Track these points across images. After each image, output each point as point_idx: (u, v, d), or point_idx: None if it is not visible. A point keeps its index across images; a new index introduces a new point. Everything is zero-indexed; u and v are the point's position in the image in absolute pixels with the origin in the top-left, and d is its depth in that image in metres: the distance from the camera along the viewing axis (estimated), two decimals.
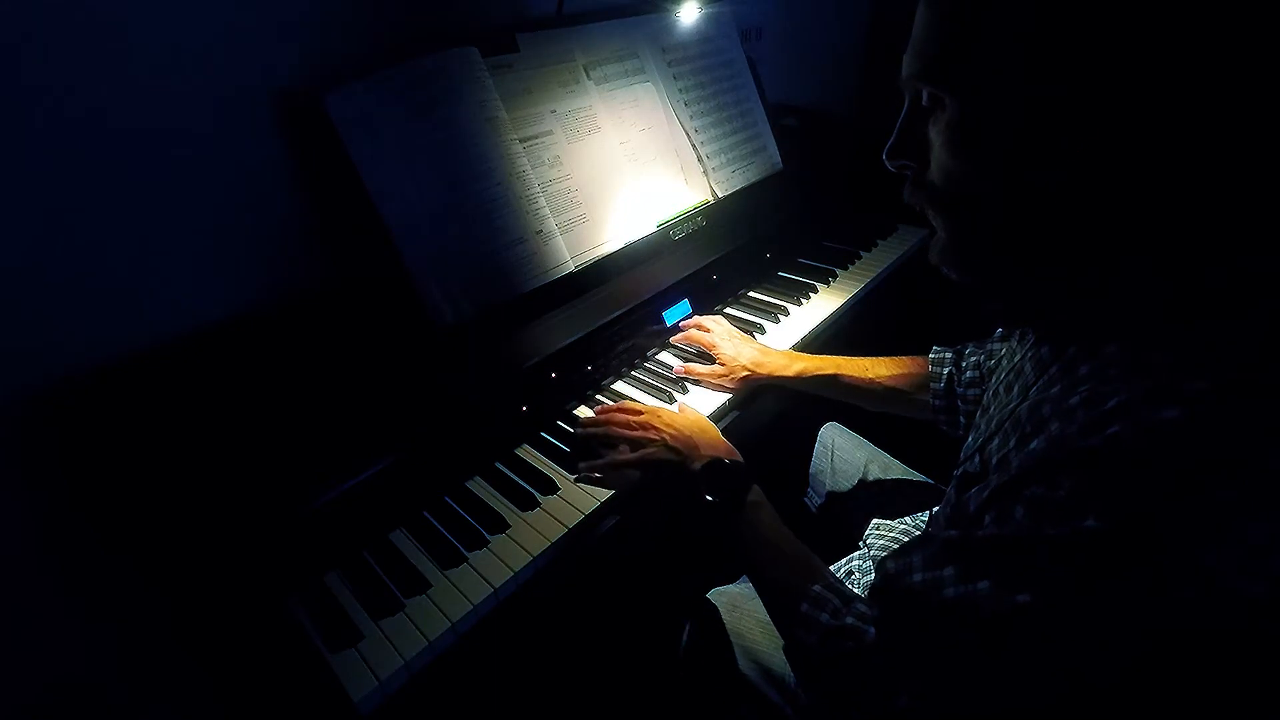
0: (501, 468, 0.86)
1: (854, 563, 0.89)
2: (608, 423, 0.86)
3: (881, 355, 0.97)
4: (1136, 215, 0.44)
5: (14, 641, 0.78)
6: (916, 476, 1.00)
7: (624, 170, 1.03)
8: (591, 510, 0.79)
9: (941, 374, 0.88)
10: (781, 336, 1.13)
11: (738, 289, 1.24)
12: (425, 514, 0.79)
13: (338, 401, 0.75)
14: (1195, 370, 0.39)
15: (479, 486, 0.84)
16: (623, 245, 1.00)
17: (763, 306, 1.21)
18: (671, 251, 1.06)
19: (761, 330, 1.14)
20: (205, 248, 0.81)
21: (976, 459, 0.57)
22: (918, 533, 0.87)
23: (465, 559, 0.74)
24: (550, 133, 0.96)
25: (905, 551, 0.53)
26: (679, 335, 1.06)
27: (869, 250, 1.38)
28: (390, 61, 0.83)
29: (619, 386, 1.01)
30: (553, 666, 0.97)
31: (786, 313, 1.18)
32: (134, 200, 0.74)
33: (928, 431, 0.93)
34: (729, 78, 1.21)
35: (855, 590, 0.82)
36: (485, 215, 0.87)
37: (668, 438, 0.80)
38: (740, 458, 0.78)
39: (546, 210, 0.92)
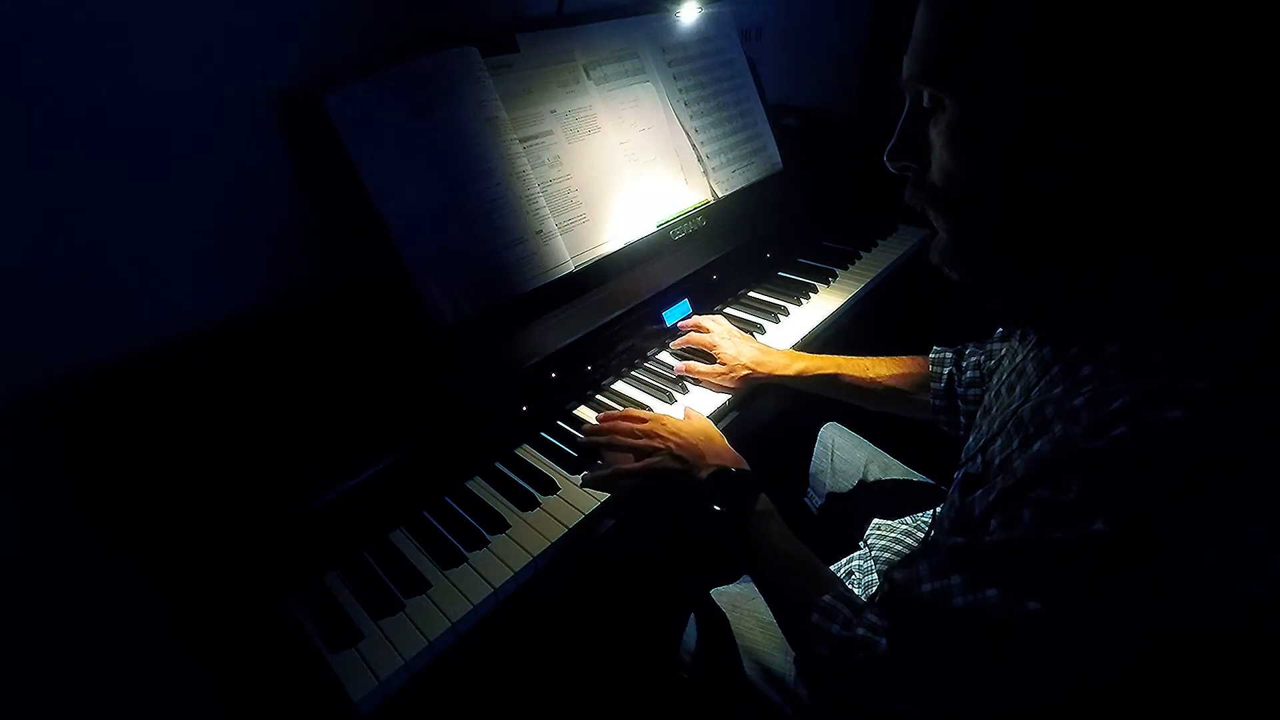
0: (501, 468, 0.86)
1: (854, 563, 0.89)
2: (612, 431, 0.85)
3: (882, 355, 0.97)
4: (1136, 215, 0.44)
5: (14, 641, 0.78)
6: (916, 476, 1.00)
7: (624, 170, 1.03)
8: (591, 510, 0.79)
9: (942, 374, 0.88)
10: (781, 336, 1.13)
11: (738, 289, 1.24)
12: (425, 514, 0.79)
13: (338, 401, 0.75)
14: (1196, 370, 0.39)
15: (479, 486, 0.84)
16: (623, 245, 1.00)
17: (763, 306, 1.21)
18: (671, 251, 1.06)
19: (761, 330, 1.14)
20: (205, 248, 0.81)
21: (979, 460, 0.57)
22: (918, 533, 0.87)
23: (465, 559, 0.74)
24: (550, 133, 0.96)
25: (911, 560, 0.53)
26: (679, 340, 1.05)
27: (869, 250, 1.38)
28: (390, 61, 0.83)
29: (619, 386, 1.01)
30: (553, 666, 0.97)
31: (786, 313, 1.18)
32: (134, 200, 0.74)
33: (928, 432, 0.93)
34: (729, 78, 1.21)
35: (857, 591, 0.82)
36: (485, 215, 0.87)
37: (673, 446, 0.79)
38: (747, 466, 0.77)
39: (546, 210, 0.92)
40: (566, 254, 0.94)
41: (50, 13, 0.65)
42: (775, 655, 0.78)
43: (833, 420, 1.13)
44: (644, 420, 0.85)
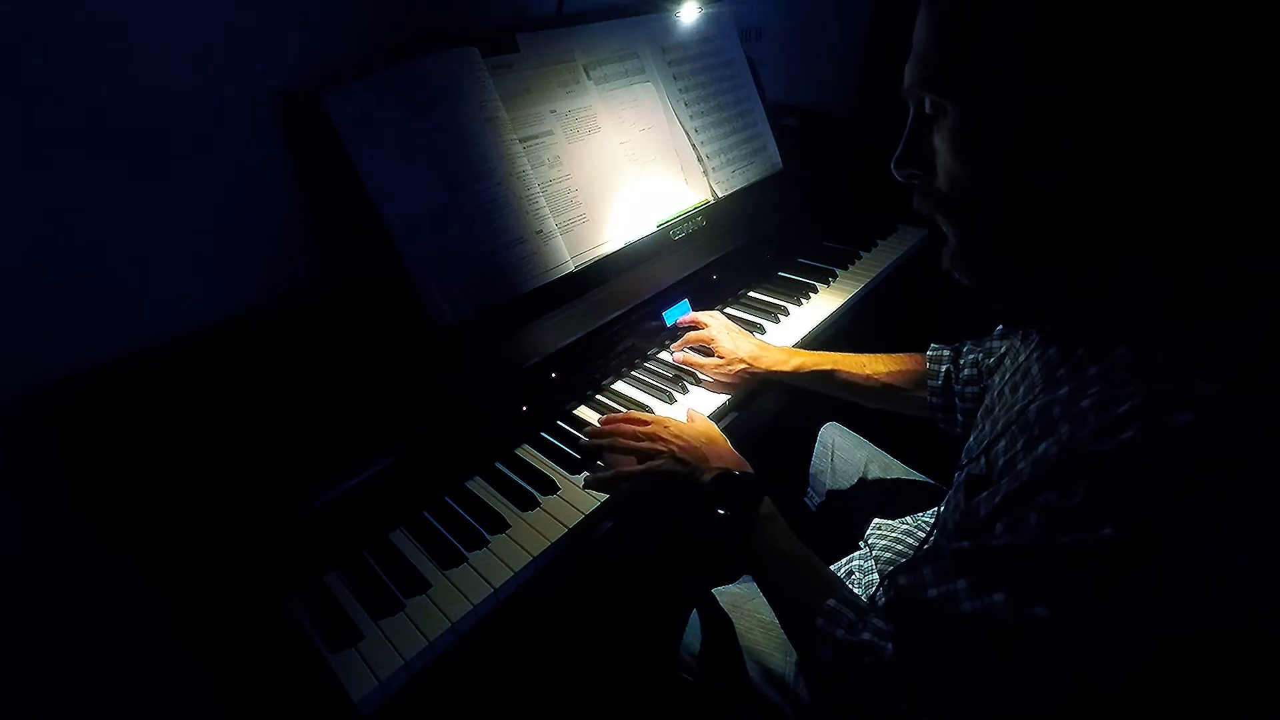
0: (501, 468, 0.86)
1: (854, 562, 0.89)
2: (614, 433, 0.85)
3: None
4: (1136, 215, 0.44)
5: (14, 641, 0.78)
6: (916, 476, 1.01)
7: (624, 170, 1.03)
8: (591, 510, 0.79)
9: (939, 371, 0.88)
10: (781, 336, 1.13)
11: (738, 289, 1.24)
12: (425, 514, 0.79)
13: (338, 401, 0.75)
14: (1205, 372, 0.39)
15: (479, 486, 0.84)
16: (623, 245, 1.00)
17: (763, 306, 1.21)
18: (671, 251, 1.06)
19: (761, 330, 1.14)
20: (205, 248, 0.81)
21: (982, 461, 0.57)
22: (919, 532, 0.87)
23: (465, 559, 0.74)
24: (550, 133, 0.96)
25: (916, 565, 0.53)
26: (678, 341, 1.05)
27: (869, 250, 1.38)
28: (390, 61, 0.83)
29: (619, 386, 1.01)
30: (553, 667, 0.97)
31: (786, 313, 1.18)
32: (134, 200, 0.74)
33: (928, 432, 0.93)
34: (729, 78, 1.21)
35: (857, 590, 0.82)
36: (485, 215, 0.87)
37: (676, 449, 0.79)
38: (750, 468, 0.77)
39: (546, 210, 0.92)
40: (566, 254, 0.94)
41: (50, 13, 0.65)
42: (775, 655, 0.78)
43: (833, 420, 1.13)
44: (646, 423, 0.85)
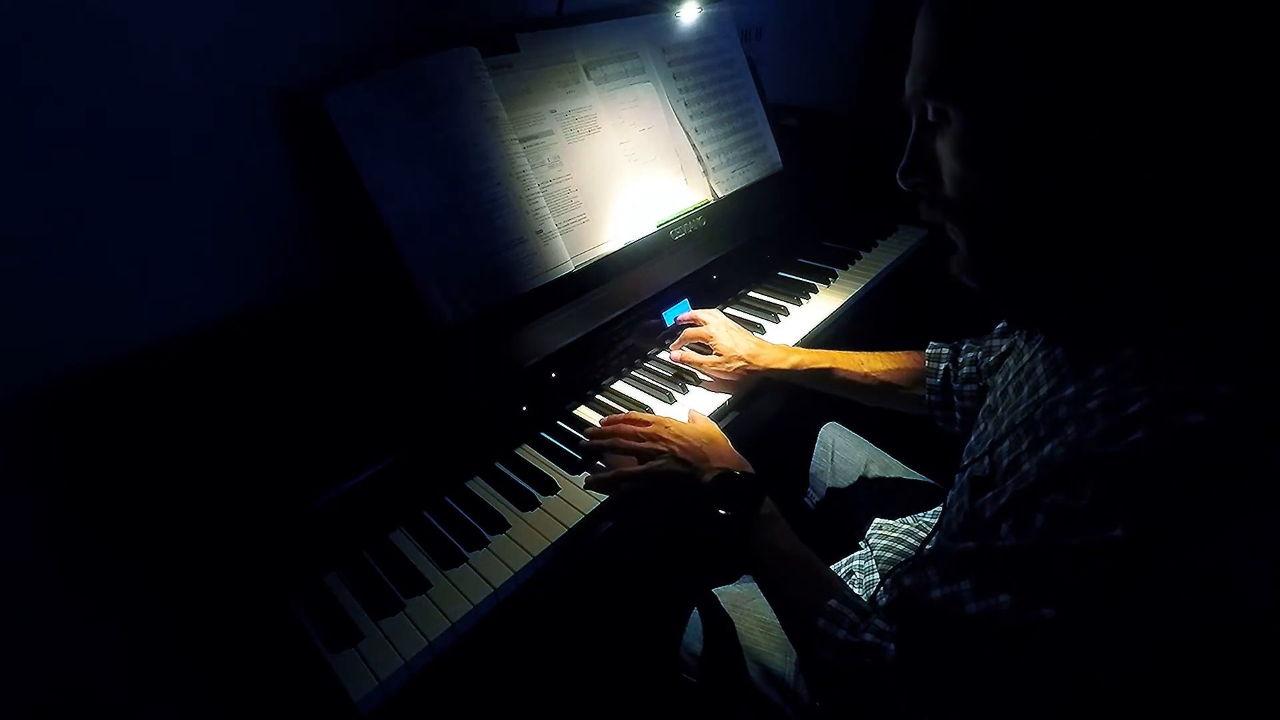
0: (501, 468, 0.86)
1: (855, 562, 0.89)
2: (615, 433, 0.85)
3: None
4: (1136, 215, 0.44)
5: (14, 641, 0.78)
6: (917, 476, 1.01)
7: (624, 170, 1.03)
8: (591, 510, 0.79)
9: (938, 369, 0.88)
10: (782, 336, 1.13)
11: (738, 289, 1.24)
12: (425, 514, 0.79)
13: (338, 401, 0.75)
14: (1214, 374, 0.39)
15: (479, 486, 0.84)
16: (623, 245, 1.00)
17: (763, 306, 1.21)
18: (671, 251, 1.06)
19: (762, 330, 1.14)
20: (205, 248, 0.81)
21: (986, 461, 0.57)
22: (920, 532, 0.87)
23: (465, 559, 0.74)
24: (550, 133, 0.96)
25: (920, 566, 0.53)
26: (677, 340, 1.05)
27: (869, 250, 1.38)
28: (390, 61, 0.83)
29: (619, 386, 1.01)
30: (553, 667, 0.97)
31: (786, 313, 1.18)
32: (134, 200, 0.74)
33: (928, 432, 0.93)
34: (729, 78, 1.21)
35: (858, 590, 0.82)
36: (485, 215, 0.87)
37: (676, 449, 0.79)
38: (751, 469, 0.77)
39: (546, 210, 0.92)
40: (566, 254, 0.94)
41: (50, 13, 0.65)
42: (775, 655, 0.78)
43: (833, 420, 1.13)
44: (647, 423, 0.84)
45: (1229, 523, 0.38)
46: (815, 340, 1.15)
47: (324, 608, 0.68)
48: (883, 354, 0.96)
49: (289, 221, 0.86)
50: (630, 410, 0.94)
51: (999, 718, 0.48)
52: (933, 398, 0.88)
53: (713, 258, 1.13)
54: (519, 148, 0.91)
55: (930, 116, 0.50)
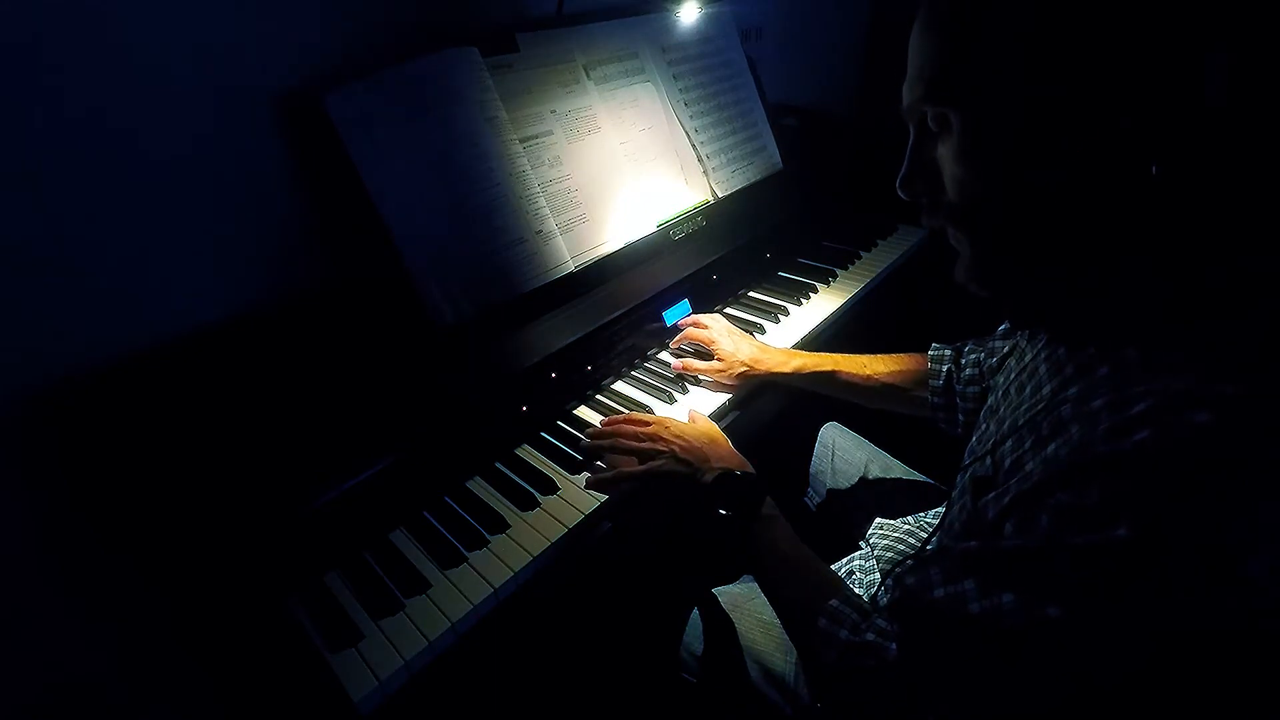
0: (501, 468, 0.86)
1: (855, 562, 0.89)
2: (615, 434, 0.85)
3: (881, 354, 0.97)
4: (1136, 215, 0.44)
5: (14, 641, 0.78)
6: (917, 477, 1.00)
7: (624, 170, 1.03)
8: (592, 510, 0.79)
9: (941, 371, 0.88)
10: (781, 336, 1.13)
11: (738, 289, 1.24)
12: (425, 514, 0.79)
13: (338, 402, 0.75)
14: (1220, 373, 0.39)
15: (479, 486, 0.84)
16: (623, 245, 1.00)
17: (763, 306, 1.21)
18: (671, 251, 1.06)
19: (761, 330, 1.14)
20: (205, 247, 0.81)
21: (988, 461, 0.57)
22: (920, 532, 0.87)
23: (465, 559, 0.73)
24: (550, 133, 0.96)
25: (922, 566, 0.53)
26: (678, 337, 1.05)
27: (869, 250, 1.38)
28: (390, 61, 0.83)
29: (619, 387, 1.01)
30: (553, 667, 0.97)
31: (786, 313, 1.18)
32: (134, 200, 0.74)
33: (929, 432, 0.93)
34: (729, 78, 1.21)
35: (858, 590, 0.82)
36: (485, 215, 0.87)
37: (677, 449, 0.79)
38: (752, 469, 0.77)
39: (546, 210, 0.92)
40: (566, 254, 0.94)
41: (50, 12, 0.65)
42: (775, 655, 0.78)
43: (833, 420, 1.13)
44: (648, 423, 0.84)
45: (1231, 522, 0.38)
46: (815, 340, 1.15)
47: (324, 608, 0.68)
48: (885, 356, 0.96)
49: (289, 221, 0.86)
50: (630, 410, 0.94)
51: (1000, 717, 0.48)
52: (936, 400, 0.88)
53: (713, 258, 1.13)
54: (519, 148, 0.91)
55: (930, 124, 0.50)
